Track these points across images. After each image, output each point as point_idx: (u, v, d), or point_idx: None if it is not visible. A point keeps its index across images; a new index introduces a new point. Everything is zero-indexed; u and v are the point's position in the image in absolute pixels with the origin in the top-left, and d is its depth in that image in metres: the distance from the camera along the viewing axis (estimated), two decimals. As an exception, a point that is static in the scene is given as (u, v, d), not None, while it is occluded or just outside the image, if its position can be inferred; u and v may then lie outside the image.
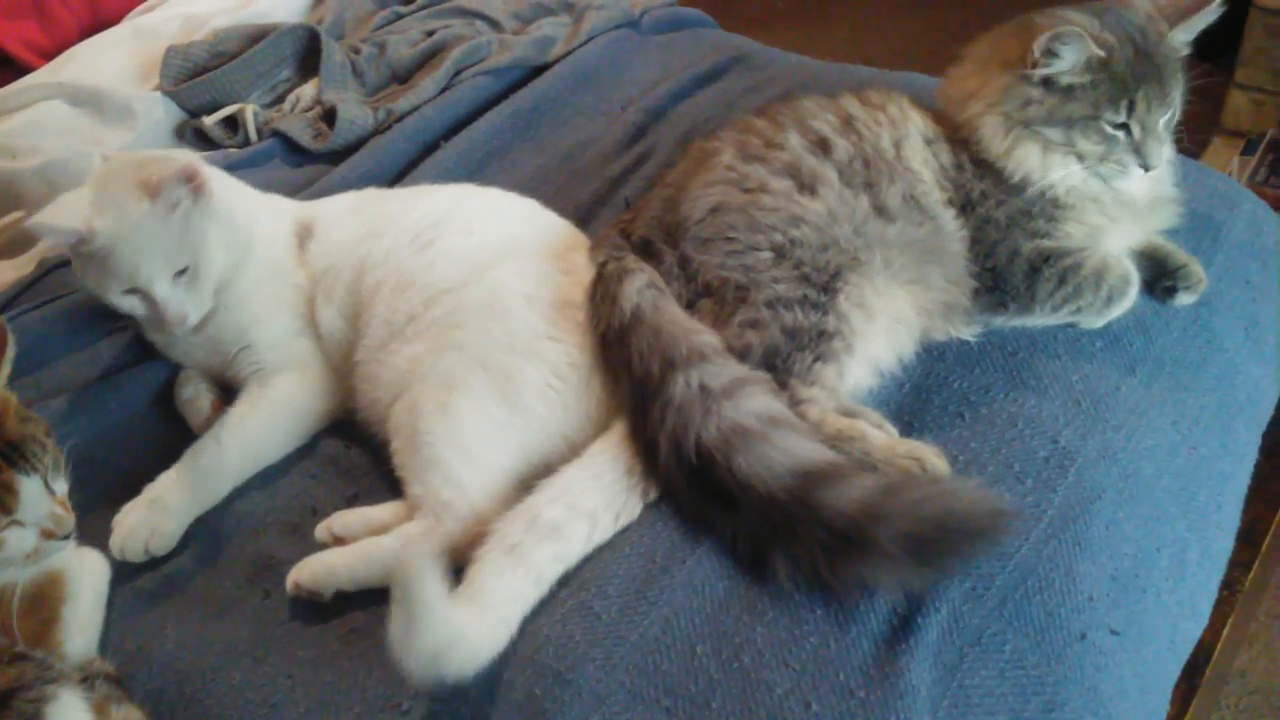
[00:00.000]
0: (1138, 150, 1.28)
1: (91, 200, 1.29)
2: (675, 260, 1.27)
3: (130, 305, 1.33)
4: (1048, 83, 1.27)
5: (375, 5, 2.17)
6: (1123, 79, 1.25)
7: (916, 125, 1.35)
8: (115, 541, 1.25)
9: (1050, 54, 1.25)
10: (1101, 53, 1.24)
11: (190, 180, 1.30)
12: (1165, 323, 1.34)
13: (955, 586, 1.08)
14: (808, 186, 1.28)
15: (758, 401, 1.13)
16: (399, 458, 1.25)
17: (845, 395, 1.22)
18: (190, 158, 1.34)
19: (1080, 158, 1.29)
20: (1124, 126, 1.27)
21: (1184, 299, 1.36)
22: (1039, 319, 1.31)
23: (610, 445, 1.19)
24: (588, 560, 1.13)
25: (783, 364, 1.19)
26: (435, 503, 1.19)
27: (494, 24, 2.02)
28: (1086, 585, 1.11)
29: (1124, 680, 1.09)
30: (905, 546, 1.02)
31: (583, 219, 1.57)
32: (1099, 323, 1.32)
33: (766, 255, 1.24)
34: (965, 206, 1.31)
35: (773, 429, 1.11)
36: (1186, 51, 1.31)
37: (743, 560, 1.09)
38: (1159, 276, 1.35)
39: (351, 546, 1.21)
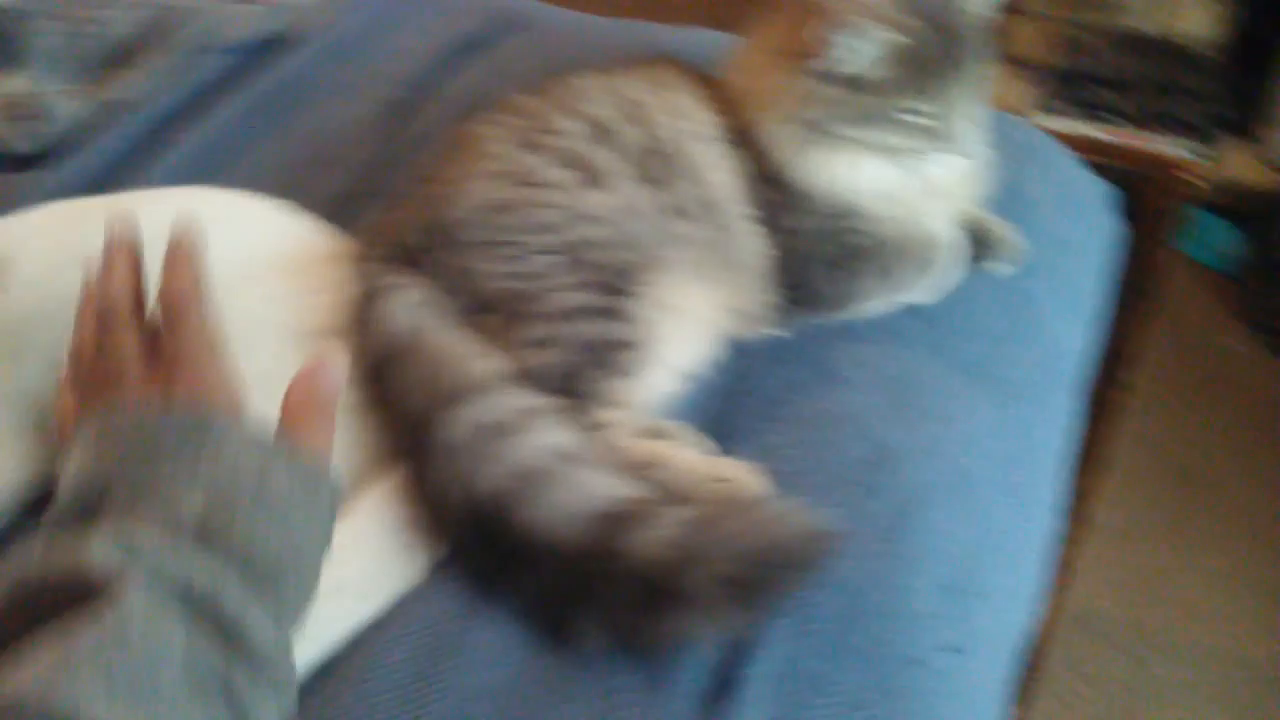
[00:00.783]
0: (948, 137, 1.14)
1: None
2: (447, 270, 1.11)
3: None
4: (838, 78, 1.12)
5: (86, -27, 1.89)
6: (925, 64, 1.11)
7: (711, 122, 1.20)
8: None
9: (839, 45, 1.10)
10: (902, 39, 1.10)
11: None
12: (978, 293, 1.27)
13: (781, 625, 0.97)
14: (594, 179, 1.13)
15: (548, 436, 0.99)
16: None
17: (651, 410, 1.10)
18: None
19: (885, 154, 1.16)
20: (929, 113, 1.13)
21: (1002, 269, 1.29)
22: (868, 312, 1.22)
23: (374, 501, 1.03)
24: (357, 644, 0.96)
25: (577, 385, 1.05)
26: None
27: (228, -9, 1.78)
28: (919, 602, 1.02)
29: (964, 698, 1.02)
30: (724, 589, 0.90)
31: (345, 216, 1.37)
32: (934, 297, 1.24)
33: (553, 259, 1.09)
34: (769, 220, 1.17)
35: (567, 467, 0.97)
36: (992, 10, 1.17)
37: (544, 627, 0.95)
38: (975, 246, 1.27)
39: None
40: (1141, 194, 1.62)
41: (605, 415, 1.05)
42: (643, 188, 1.14)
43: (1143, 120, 3.05)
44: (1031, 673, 1.20)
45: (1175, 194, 1.50)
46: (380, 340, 1.05)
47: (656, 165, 1.15)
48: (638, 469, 1.03)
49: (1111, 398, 1.44)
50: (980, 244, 1.28)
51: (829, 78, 1.12)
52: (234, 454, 0.76)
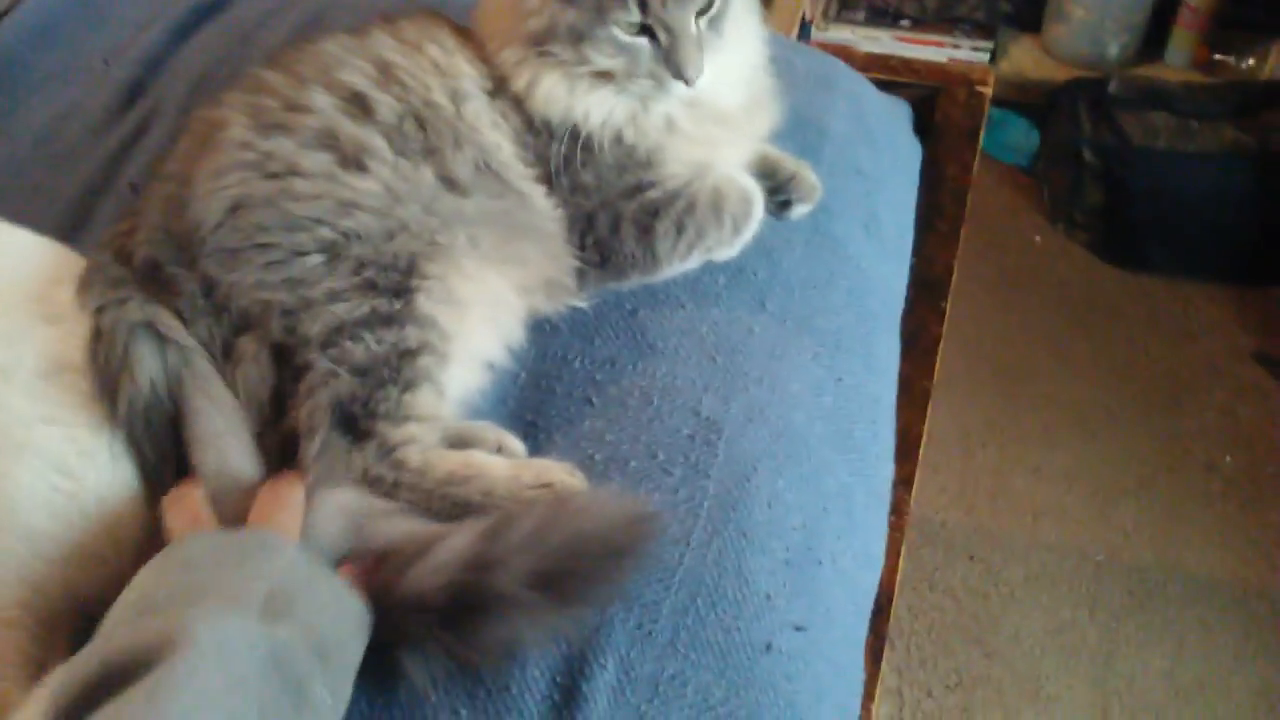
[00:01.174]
0: (667, 59, 1.02)
1: None
2: (196, 287, 0.96)
3: None
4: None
5: None
6: None
7: (470, 75, 1.07)
8: None
9: None
10: None
11: None
12: (785, 241, 1.20)
13: (619, 629, 0.89)
14: (352, 160, 1.00)
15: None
16: None
17: (451, 415, 0.99)
18: None
19: (605, 79, 1.05)
20: (647, 30, 1.02)
21: (800, 210, 1.22)
22: (668, 274, 1.13)
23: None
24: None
25: (363, 409, 0.93)
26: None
27: (-93, -34, 1.54)
28: (761, 582, 0.95)
29: (820, 676, 0.97)
30: (536, 586, 0.82)
31: (77, 219, 1.22)
32: (733, 252, 1.16)
33: (315, 259, 0.96)
34: (553, 178, 1.07)
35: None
36: None
37: (373, 679, 0.85)
38: (772, 190, 1.19)
39: None
40: (940, 110, 1.58)
41: (398, 433, 0.94)
42: (408, 162, 1.02)
43: (927, 21, 3.05)
44: (880, 628, 1.16)
45: (977, 110, 1.47)
46: (131, 394, 0.91)
47: (420, 133, 1.03)
48: (444, 484, 0.92)
49: (931, 327, 1.40)
50: (773, 185, 1.20)
51: None
52: (288, 563, 0.81)
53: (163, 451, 0.91)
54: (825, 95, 1.36)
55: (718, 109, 1.11)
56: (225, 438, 0.91)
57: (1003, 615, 2.19)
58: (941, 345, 1.46)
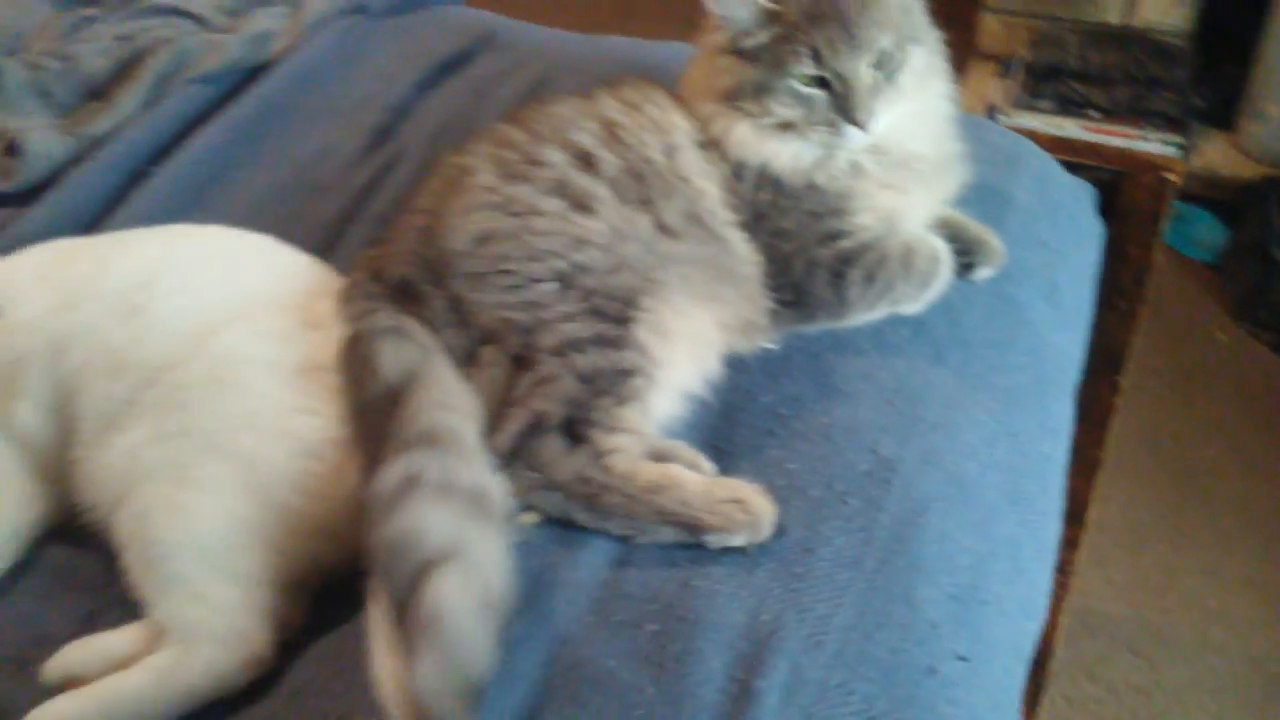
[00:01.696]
0: (841, 106, 1.13)
1: None
2: (444, 303, 1.10)
3: None
4: (737, 50, 1.15)
5: (54, 8, 1.86)
6: (799, 27, 1.11)
7: (683, 129, 1.20)
8: None
9: (723, 15, 1.14)
10: (767, 4, 1.12)
11: None
12: (967, 301, 1.27)
13: (792, 636, 0.97)
14: (582, 205, 1.13)
15: (437, 522, 0.91)
16: (133, 574, 1.05)
17: (653, 433, 1.10)
18: None
19: (787, 128, 1.15)
20: (822, 81, 1.13)
21: (984, 273, 1.29)
22: (854, 321, 1.21)
23: None
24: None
25: (581, 414, 1.04)
26: (183, 626, 1.01)
27: (199, 21, 1.76)
28: (928, 611, 1.02)
29: (976, 707, 1.01)
30: None
31: (329, 242, 1.38)
32: (919, 307, 1.23)
33: (550, 286, 1.09)
34: (754, 223, 1.18)
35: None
36: None
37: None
38: (957, 252, 1.27)
39: (90, 689, 1.01)
40: (1125, 194, 1.62)
41: (610, 441, 1.05)
42: (629, 210, 1.14)
43: (1116, 113, 3.06)
44: (1039, 677, 1.20)
45: (1161, 194, 1.51)
46: (376, 384, 1.04)
47: (639, 185, 1.16)
48: (645, 492, 1.02)
49: (1105, 399, 1.44)
50: (958, 247, 1.27)
51: (729, 49, 1.15)
52: None
53: (383, 433, 1.00)
54: (1011, 169, 1.44)
55: (903, 154, 1.20)
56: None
57: (1163, 715, 2.14)
58: (1116, 430, 1.49)
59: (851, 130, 1.14)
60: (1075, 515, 1.33)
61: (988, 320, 1.27)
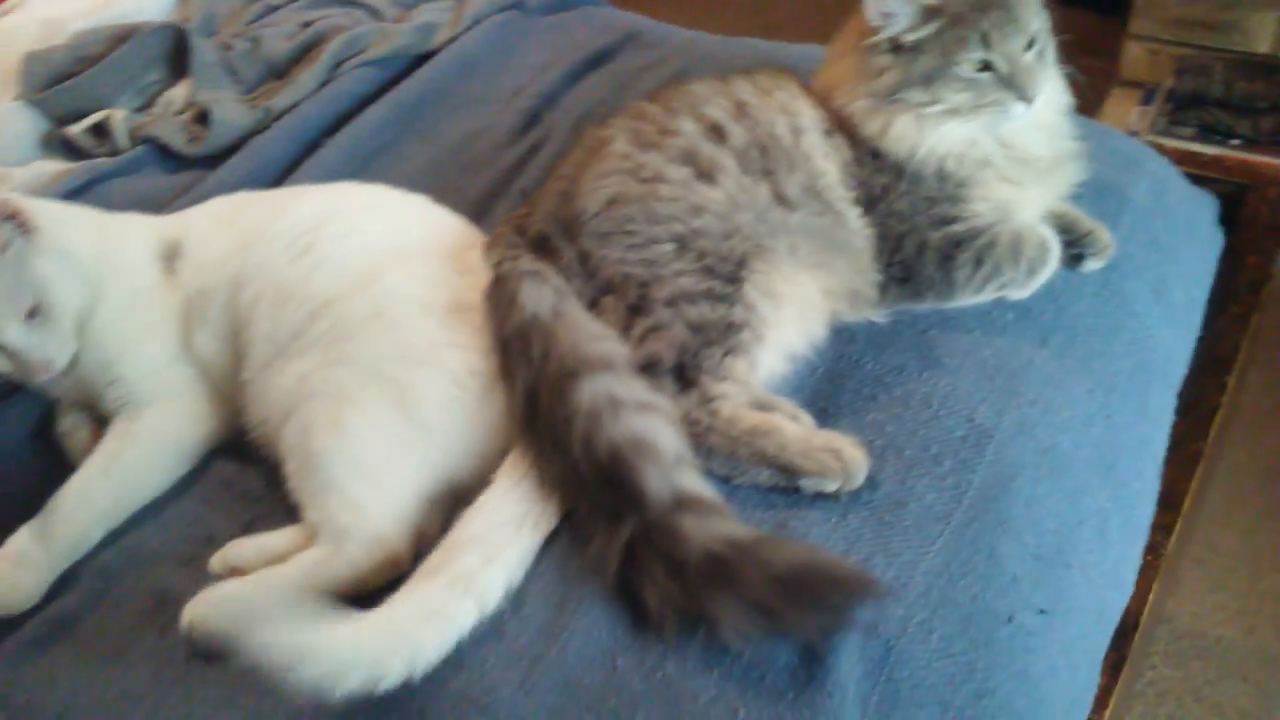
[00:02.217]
0: (1010, 84, 1.21)
1: None
2: (574, 256, 1.21)
3: None
4: (896, 47, 1.23)
5: (246, -1, 2.07)
6: (963, 17, 1.20)
7: (810, 116, 1.29)
8: None
9: (884, 15, 1.22)
10: (929, 0, 1.20)
11: (10, 215, 1.21)
12: (1075, 290, 1.32)
13: (878, 576, 1.05)
14: (706, 174, 1.23)
15: (664, 432, 1.08)
16: (293, 481, 1.18)
17: (758, 386, 1.18)
18: (3, 192, 1.25)
19: (954, 113, 1.23)
20: (987, 66, 1.21)
21: (1092, 265, 1.34)
22: (961, 302, 1.28)
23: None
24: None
25: (692, 360, 1.14)
26: (334, 528, 1.13)
27: (373, 12, 1.93)
28: (1011, 566, 1.08)
29: (1054, 659, 1.07)
30: (770, 590, 0.98)
31: (478, 212, 1.51)
32: (1025, 293, 1.29)
33: (668, 247, 1.19)
34: (869, 203, 1.26)
35: (668, 451, 1.06)
36: None
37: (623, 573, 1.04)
38: (1067, 243, 1.32)
39: (249, 578, 1.14)
40: (1248, 205, 1.65)
41: (717, 388, 1.14)
42: (750, 180, 1.23)
43: (1258, 140, 3.02)
44: (1123, 649, 1.24)
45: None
46: (515, 315, 1.16)
47: (762, 158, 1.25)
48: (747, 436, 1.11)
49: (1211, 397, 1.47)
50: (1069, 238, 1.33)
51: (891, 49, 1.23)
52: None
53: (529, 361, 1.13)
54: (1130, 172, 1.48)
55: (1026, 152, 1.28)
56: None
57: (1270, 741, 2.11)
58: (1236, 456, 1.50)
59: (1018, 106, 1.22)
60: (1172, 503, 1.37)
61: (1093, 309, 1.32)
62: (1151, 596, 1.28)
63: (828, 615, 1.00)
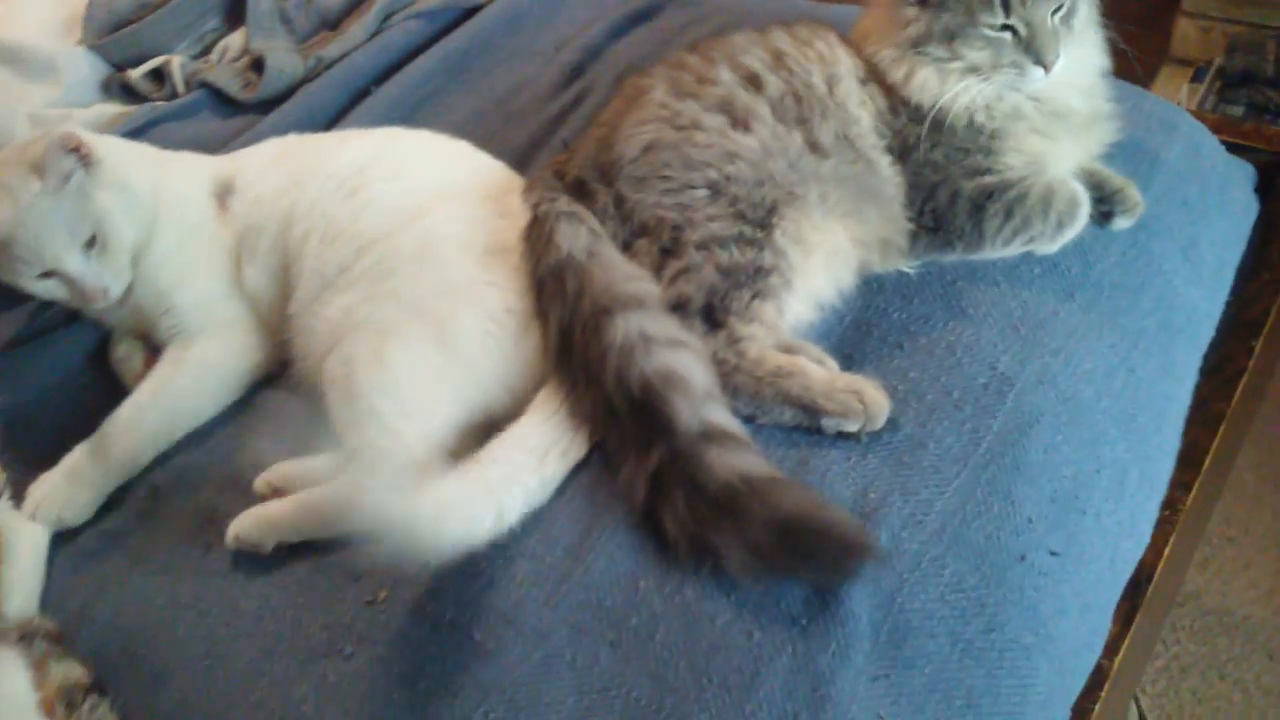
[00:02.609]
0: (1028, 48, 1.23)
1: None
2: (610, 200, 1.25)
3: (49, 289, 1.31)
4: (923, 1, 1.26)
5: (301, -52, 2.12)
6: None
7: (846, 65, 1.32)
8: (27, 511, 1.24)
9: None
10: None
11: (73, 148, 1.27)
12: (1103, 247, 1.34)
13: (894, 512, 1.08)
14: (741, 122, 1.26)
15: (695, 368, 1.12)
16: (335, 409, 1.23)
17: (785, 331, 1.22)
18: (68, 127, 1.30)
19: (973, 70, 1.26)
20: (1009, 27, 1.24)
21: (1121, 223, 1.36)
22: (989, 254, 1.30)
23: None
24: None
25: (720, 302, 1.18)
26: (372, 453, 1.18)
27: (424, -34, 1.98)
28: (1025, 508, 1.11)
29: (1064, 600, 1.10)
30: (769, 532, 1.02)
31: (520, 162, 1.55)
32: (1053, 248, 1.31)
33: (702, 193, 1.23)
34: (902, 152, 1.29)
35: (697, 385, 1.11)
36: None
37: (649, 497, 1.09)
38: (1097, 200, 1.34)
39: (291, 498, 1.21)
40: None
41: (745, 330, 1.18)
42: (784, 128, 1.26)
43: (1309, 120, 2.99)
44: (1135, 599, 1.26)
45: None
46: (551, 253, 1.20)
47: (797, 107, 1.28)
48: (772, 376, 1.15)
49: (1238, 360, 1.48)
50: (1099, 195, 1.34)
51: (914, 2, 1.26)
52: None
53: (564, 298, 1.17)
54: (1165, 134, 1.49)
55: (1059, 106, 1.30)
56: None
57: (1290, 717, 2.12)
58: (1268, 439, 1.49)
59: (1035, 70, 1.24)
60: (1194, 462, 1.38)
61: (1120, 265, 1.33)
62: (1167, 551, 1.30)
63: (821, 569, 1.04)
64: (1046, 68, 1.24)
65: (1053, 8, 1.24)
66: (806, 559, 1.03)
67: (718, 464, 1.05)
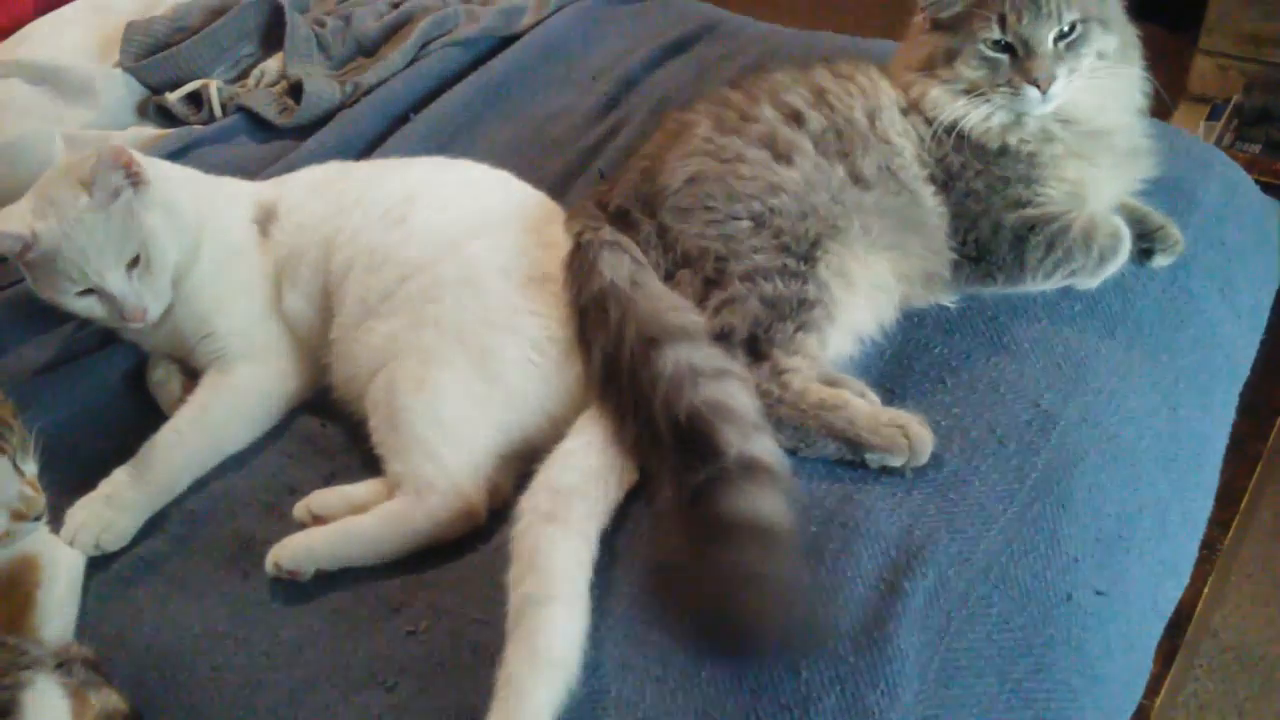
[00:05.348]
0: (1022, 68, 1.25)
1: (32, 206, 1.27)
2: (653, 230, 1.25)
3: (89, 307, 1.31)
4: (936, 24, 1.30)
5: (338, -25, 2.14)
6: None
7: (889, 95, 1.34)
8: (65, 535, 1.23)
9: None
10: None
11: (124, 165, 1.27)
12: (1143, 285, 1.34)
13: (941, 550, 1.08)
14: (783, 156, 1.27)
15: (741, 398, 1.11)
16: (377, 435, 1.24)
17: (828, 363, 1.22)
18: (118, 143, 1.31)
19: (974, 89, 1.28)
20: (1008, 47, 1.26)
21: (1161, 261, 1.36)
22: (1030, 287, 1.30)
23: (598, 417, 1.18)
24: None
25: (764, 334, 1.18)
26: (416, 480, 1.18)
27: (461, -6, 1.99)
28: (1071, 547, 1.11)
29: (1109, 640, 1.10)
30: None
31: (556, 190, 1.55)
32: (1094, 283, 1.31)
33: (745, 224, 1.23)
34: (945, 182, 1.30)
35: (742, 416, 1.10)
36: None
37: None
38: (1136, 238, 1.34)
39: (331, 525, 1.20)
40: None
41: (788, 361, 1.17)
42: (827, 161, 1.27)
43: (1326, 158, 3.00)
44: (1175, 639, 1.26)
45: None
46: (594, 282, 1.20)
47: (839, 140, 1.29)
48: (815, 409, 1.15)
49: (1275, 399, 1.49)
50: (1138, 233, 1.35)
51: (930, 27, 1.30)
52: None
53: (607, 327, 1.17)
54: (1201, 173, 1.50)
55: (1092, 126, 1.30)
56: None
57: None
58: None
59: (1030, 92, 1.25)
60: (1230, 500, 1.38)
61: (1160, 304, 1.34)
62: (1205, 591, 1.30)
63: (739, 641, 1.01)
64: (1039, 88, 1.25)
65: (1054, 30, 1.25)
66: (731, 624, 1.00)
67: (737, 502, 1.04)
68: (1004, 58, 1.26)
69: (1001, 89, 1.27)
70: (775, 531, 1.04)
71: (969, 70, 1.28)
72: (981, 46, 1.27)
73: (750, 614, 0.99)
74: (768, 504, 1.05)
